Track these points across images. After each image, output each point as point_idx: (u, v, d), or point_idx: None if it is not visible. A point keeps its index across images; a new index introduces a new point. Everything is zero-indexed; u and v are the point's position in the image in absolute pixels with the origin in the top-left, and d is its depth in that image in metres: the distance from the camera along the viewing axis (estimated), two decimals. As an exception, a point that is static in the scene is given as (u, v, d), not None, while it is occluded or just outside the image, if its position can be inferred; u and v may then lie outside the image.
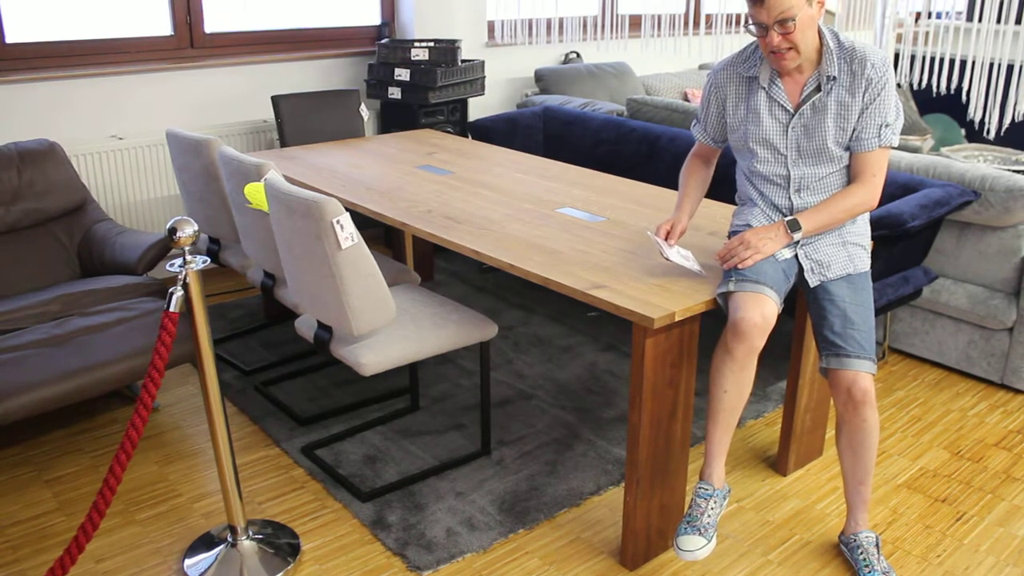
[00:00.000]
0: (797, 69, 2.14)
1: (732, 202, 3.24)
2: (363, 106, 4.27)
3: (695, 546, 2.09)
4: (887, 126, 2.12)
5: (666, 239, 2.30)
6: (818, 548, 2.39)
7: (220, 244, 3.33)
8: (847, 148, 2.17)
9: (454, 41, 4.35)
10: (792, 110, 2.17)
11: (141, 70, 3.94)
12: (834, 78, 2.11)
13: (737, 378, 2.10)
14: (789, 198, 2.23)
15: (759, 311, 2.04)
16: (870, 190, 2.15)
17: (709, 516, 2.13)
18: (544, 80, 5.09)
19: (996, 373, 3.23)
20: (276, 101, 4.07)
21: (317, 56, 4.46)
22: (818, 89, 2.13)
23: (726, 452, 2.18)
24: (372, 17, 4.75)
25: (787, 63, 2.09)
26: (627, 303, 2.06)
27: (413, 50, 4.31)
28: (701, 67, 6.15)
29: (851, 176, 2.19)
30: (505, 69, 5.20)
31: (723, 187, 3.48)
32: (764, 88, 2.19)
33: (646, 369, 2.08)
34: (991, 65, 4.77)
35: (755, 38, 2.12)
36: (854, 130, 2.13)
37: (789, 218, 2.16)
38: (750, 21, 2.07)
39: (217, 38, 4.21)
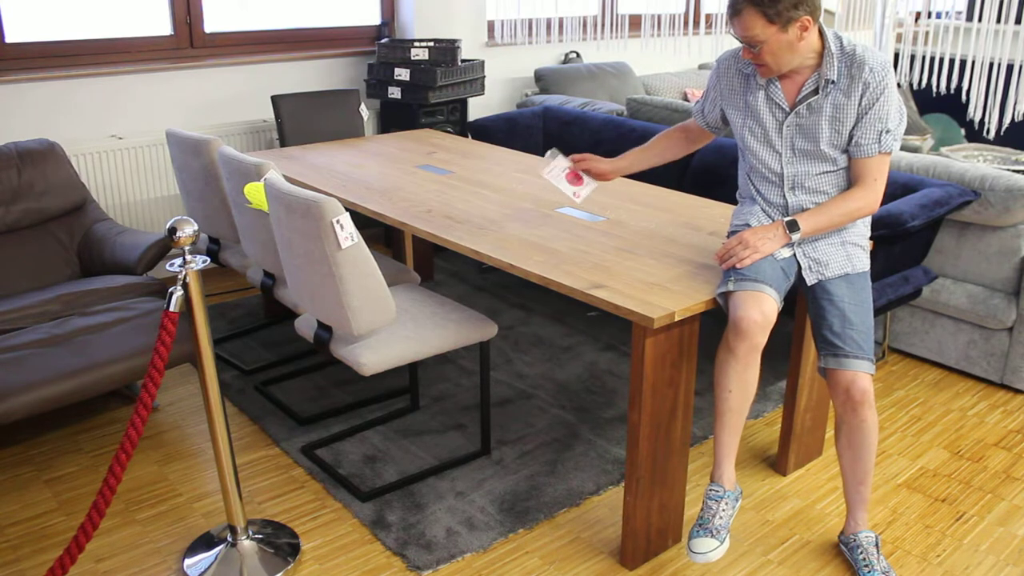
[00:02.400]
0: (795, 70, 2.14)
1: (732, 202, 3.24)
2: (363, 106, 4.27)
3: (707, 548, 2.08)
4: (888, 132, 2.10)
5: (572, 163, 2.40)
6: (818, 548, 2.39)
7: (220, 244, 3.33)
8: (844, 151, 2.16)
9: (454, 41, 4.35)
10: (788, 109, 2.17)
11: (141, 70, 3.94)
12: (833, 82, 2.11)
13: (741, 377, 2.10)
14: (783, 196, 2.23)
15: (759, 309, 2.04)
16: (870, 195, 2.15)
17: (721, 518, 2.13)
18: (544, 80, 5.09)
19: (996, 373, 3.23)
20: (276, 101, 4.07)
21: (317, 56, 4.46)
22: (816, 91, 2.13)
23: (735, 453, 2.18)
24: (372, 17, 4.75)
25: (763, 74, 2.14)
26: (627, 303, 2.06)
27: (413, 50, 4.31)
28: (701, 67, 6.15)
29: (851, 180, 2.19)
30: (505, 69, 5.21)
31: (723, 187, 3.49)
32: (762, 86, 2.19)
33: (646, 369, 2.08)
34: (991, 65, 4.77)
35: None
36: (852, 136, 2.13)
37: (788, 218, 2.16)
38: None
39: (217, 38, 4.21)
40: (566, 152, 4.24)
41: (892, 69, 2.10)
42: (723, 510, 2.14)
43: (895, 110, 2.12)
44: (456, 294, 4.07)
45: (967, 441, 2.92)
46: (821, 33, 2.10)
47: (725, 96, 2.29)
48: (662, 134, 2.51)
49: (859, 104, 2.09)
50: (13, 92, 3.65)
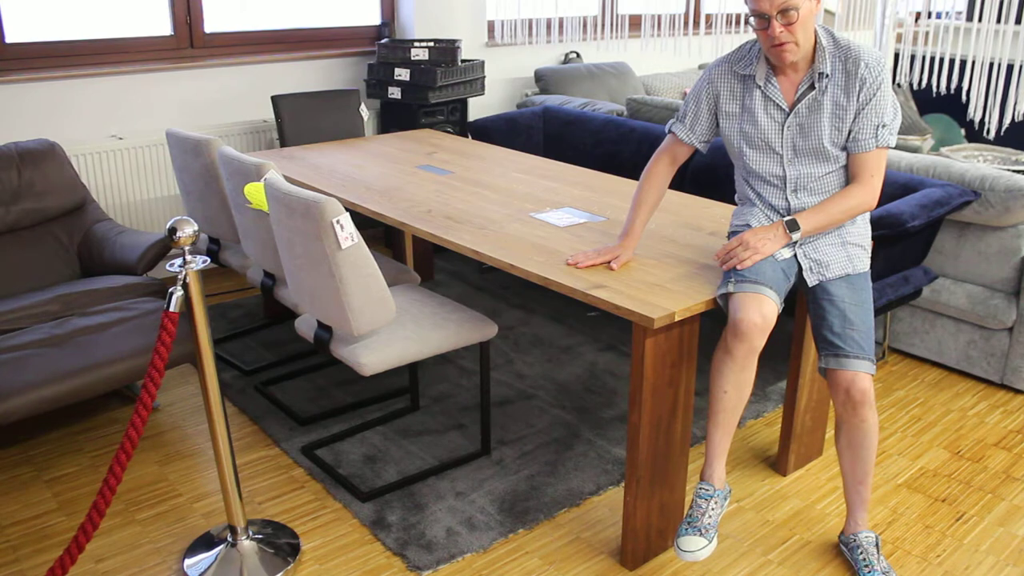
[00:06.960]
0: (792, 68, 2.14)
1: (732, 202, 3.24)
2: (363, 106, 4.27)
3: (696, 547, 2.09)
4: (884, 126, 2.11)
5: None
6: (818, 548, 2.39)
7: (220, 244, 3.33)
8: (844, 148, 2.17)
9: (454, 41, 4.35)
10: (787, 109, 2.17)
11: (141, 70, 3.94)
12: (826, 75, 2.11)
13: (737, 379, 2.10)
14: (786, 199, 2.23)
15: (759, 311, 2.04)
16: (868, 191, 2.15)
17: (710, 517, 2.13)
18: (544, 80, 5.09)
19: (996, 373, 3.23)
20: (276, 101, 4.07)
21: (317, 56, 4.46)
22: (812, 87, 2.13)
23: (727, 452, 2.18)
24: (372, 17, 4.75)
25: (787, 55, 2.08)
26: (627, 303, 2.06)
27: (413, 50, 4.31)
28: (701, 67, 6.15)
29: (849, 177, 2.19)
30: (505, 69, 5.21)
31: (723, 187, 3.49)
32: (759, 86, 2.18)
33: (646, 369, 2.08)
34: (991, 65, 4.77)
35: (754, 35, 2.12)
36: (850, 131, 2.13)
37: (788, 218, 2.16)
38: (751, 13, 2.07)
39: (217, 38, 4.21)
40: (565, 152, 4.24)
41: (887, 63, 2.10)
42: (712, 509, 2.14)
43: (891, 105, 2.12)
44: (456, 294, 4.07)
45: (967, 441, 2.92)
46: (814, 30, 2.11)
47: (720, 102, 2.27)
48: (650, 178, 2.36)
49: (857, 99, 2.09)
50: (13, 92, 3.65)
